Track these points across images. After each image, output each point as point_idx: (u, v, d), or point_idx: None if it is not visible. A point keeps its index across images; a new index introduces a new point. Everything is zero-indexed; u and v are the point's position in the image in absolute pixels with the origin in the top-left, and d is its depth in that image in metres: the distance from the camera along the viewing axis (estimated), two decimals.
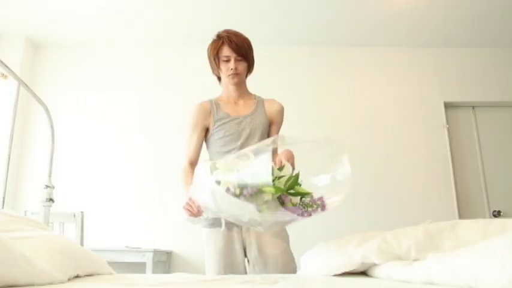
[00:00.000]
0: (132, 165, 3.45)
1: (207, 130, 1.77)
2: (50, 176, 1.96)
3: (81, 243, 2.30)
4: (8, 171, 3.22)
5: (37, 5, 3.11)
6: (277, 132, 1.82)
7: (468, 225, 0.94)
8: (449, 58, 3.77)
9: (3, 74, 3.14)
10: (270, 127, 1.81)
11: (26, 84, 1.91)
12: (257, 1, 3.11)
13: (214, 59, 1.73)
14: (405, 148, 3.53)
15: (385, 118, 3.60)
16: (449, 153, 3.53)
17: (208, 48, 1.76)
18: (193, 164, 1.74)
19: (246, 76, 1.81)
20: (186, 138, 1.77)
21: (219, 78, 1.82)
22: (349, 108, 3.62)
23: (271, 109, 1.80)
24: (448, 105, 3.67)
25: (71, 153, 3.44)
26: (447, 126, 3.59)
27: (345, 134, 3.52)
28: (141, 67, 3.70)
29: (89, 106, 3.59)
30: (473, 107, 3.75)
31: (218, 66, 1.74)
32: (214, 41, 1.74)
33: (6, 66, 1.70)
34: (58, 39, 3.61)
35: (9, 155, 3.24)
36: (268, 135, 1.80)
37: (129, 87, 3.65)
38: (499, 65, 3.76)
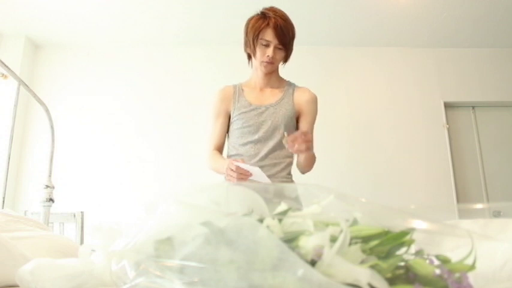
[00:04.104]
0: (132, 164, 3.45)
1: (230, 118, 1.62)
2: (50, 176, 1.96)
3: (81, 243, 2.30)
4: (8, 171, 3.22)
5: (37, 5, 3.11)
6: (309, 126, 1.61)
7: (468, 225, 0.94)
8: (449, 58, 3.76)
9: (3, 74, 3.14)
10: (300, 118, 1.61)
11: (26, 84, 1.91)
12: (257, 1, 3.11)
13: (253, 39, 1.51)
14: (405, 148, 3.53)
15: (385, 118, 3.60)
16: (449, 153, 3.53)
17: (247, 23, 1.56)
18: (219, 150, 1.62)
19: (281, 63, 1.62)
20: (209, 128, 1.64)
21: (249, 57, 1.63)
22: (349, 108, 3.62)
23: (300, 98, 1.61)
24: (447, 105, 3.67)
25: (71, 153, 3.44)
26: (447, 126, 3.59)
27: (344, 134, 3.52)
28: (141, 67, 3.69)
29: (89, 106, 3.59)
30: (473, 107, 3.75)
31: (254, 47, 1.53)
32: (258, 19, 1.52)
33: (6, 66, 1.70)
34: (58, 39, 3.61)
35: (9, 155, 3.24)
36: (298, 129, 1.62)
37: (129, 87, 3.64)
38: (499, 65, 3.76)
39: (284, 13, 1.55)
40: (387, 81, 3.71)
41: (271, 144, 1.55)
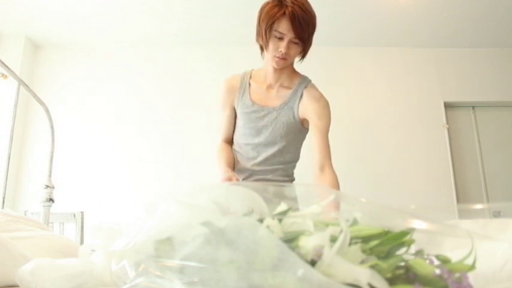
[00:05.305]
0: (132, 164, 3.45)
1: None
2: (50, 176, 1.95)
3: (81, 243, 2.30)
4: (8, 171, 3.22)
5: (37, 5, 3.11)
6: (320, 134, 1.38)
7: (468, 226, 0.94)
8: (449, 58, 3.76)
9: (3, 74, 3.14)
10: (309, 124, 1.42)
11: (26, 84, 1.91)
12: (257, 1, 3.11)
13: (266, 29, 1.31)
14: (405, 148, 3.53)
15: (385, 118, 3.60)
16: (449, 153, 3.53)
17: (261, 10, 1.36)
18: (228, 141, 1.59)
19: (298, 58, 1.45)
20: (220, 117, 1.59)
21: (262, 48, 1.43)
22: (349, 108, 3.62)
23: (305, 105, 1.41)
24: (447, 105, 3.67)
25: (71, 153, 3.44)
26: (447, 126, 3.59)
27: (344, 134, 3.52)
28: (141, 67, 3.69)
29: (89, 106, 3.59)
30: (473, 107, 3.75)
31: (266, 38, 1.33)
32: (274, 6, 1.31)
33: (6, 66, 1.70)
34: (58, 39, 3.61)
35: (9, 155, 3.24)
36: (307, 128, 1.45)
37: (129, 87, 3.64)
38: (499, 65, 3.76)
39: (305, 1, 1.33)
40: (387, 81, 3.71)
41: (270, 151, 1.48)
